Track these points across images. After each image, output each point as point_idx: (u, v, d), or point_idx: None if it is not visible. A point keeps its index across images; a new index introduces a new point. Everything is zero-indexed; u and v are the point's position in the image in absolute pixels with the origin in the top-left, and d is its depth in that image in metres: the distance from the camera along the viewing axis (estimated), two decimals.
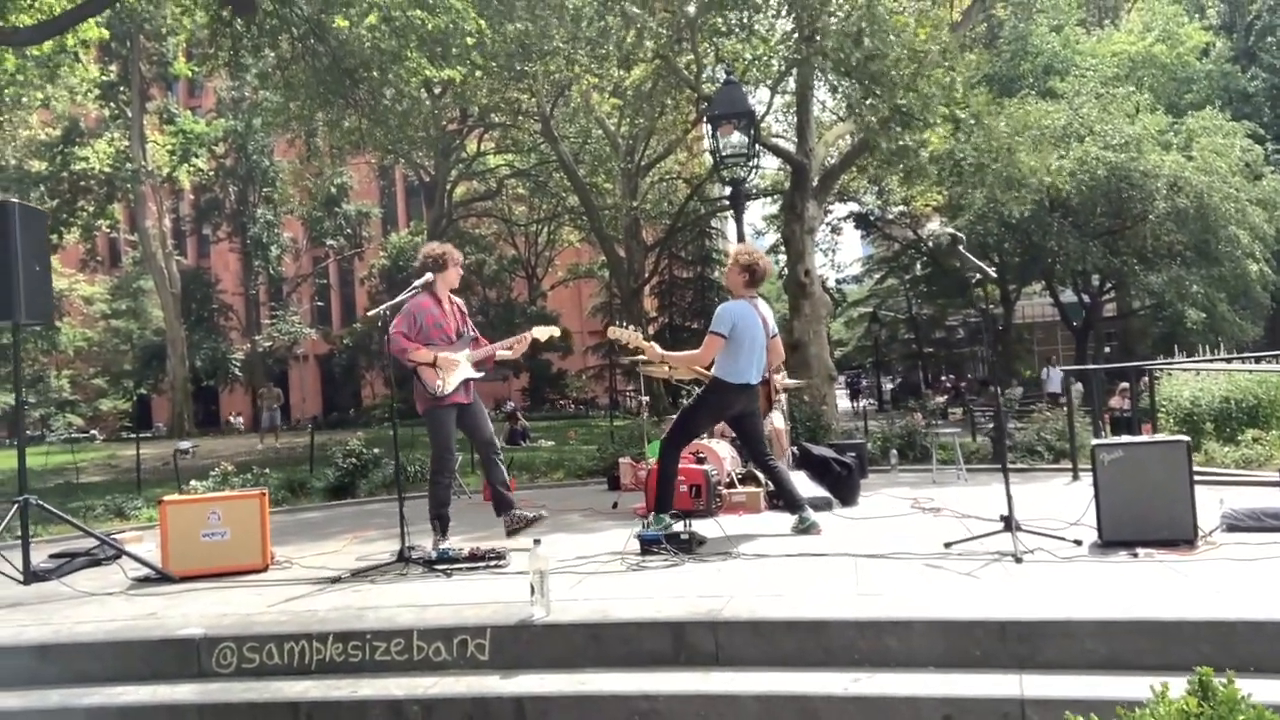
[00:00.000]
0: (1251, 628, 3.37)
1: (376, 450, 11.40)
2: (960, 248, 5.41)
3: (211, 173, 37.25)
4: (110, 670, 4.17)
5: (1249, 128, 24.74)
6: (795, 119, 16.00)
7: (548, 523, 6.23)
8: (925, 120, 12.62)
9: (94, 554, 6.24)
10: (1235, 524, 4.96)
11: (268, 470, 11.49)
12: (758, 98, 19.50)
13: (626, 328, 6.30)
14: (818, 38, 12.32)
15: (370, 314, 6.19)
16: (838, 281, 44.18)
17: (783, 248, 19.91)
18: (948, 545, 4.90)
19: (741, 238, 9.84)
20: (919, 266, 37.72)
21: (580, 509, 7.85)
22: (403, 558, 5.26)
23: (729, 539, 5.58)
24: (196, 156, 33.34)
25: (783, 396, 7.92)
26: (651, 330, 34.17)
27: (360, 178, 40.17)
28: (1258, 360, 12.94)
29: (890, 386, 42.87)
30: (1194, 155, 22.42)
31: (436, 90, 21.04)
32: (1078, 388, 14.10)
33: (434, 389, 5.76)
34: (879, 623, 3.69)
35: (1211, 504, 5.11)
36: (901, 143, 12.75)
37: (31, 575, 5.65)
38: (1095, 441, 5.42)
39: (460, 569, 5.17)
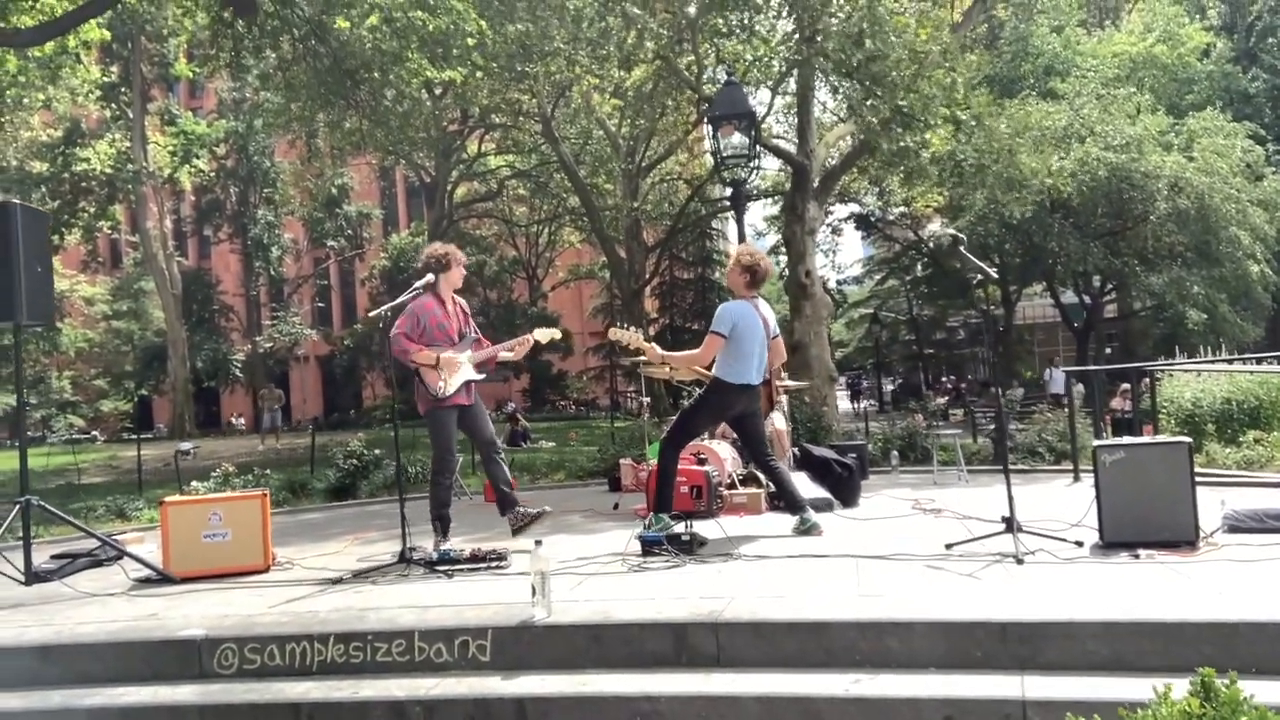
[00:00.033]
0: (1254, 629, 3.37)
1: (377, 451, 11.41)
2: (961, 249, 5.41)
3: (212, 174, 37.29)
4: (112, 671, 4.17)
5: (1250, 128, 24.74)
6: (796, 120, 16.00)
7: (549, 524, 6.22)
8: (926, 121, 12.62)
9: (95, 555, 6.25)
10: (1237, 525, 4.96)
11: (269, 471, 11.50)
12: (758, 99, 19.57)
13: (627, 329, 6.30)
14: (818, 39, 12.32)
15: (371, 315, 6.18)
16: (838, 282, 44.26)
17: (783, 249, 19.93)
18: (949, 546, 4.89)
19: (742, 239, 9.84)
20: (920, 267, 37.72)
21: (581, 510, 7.85)
22: (404, 559, 5.26)
23: (730, 540, 5.58)
24: (197, 157, 33.38)
25: (784, 397, 7.92)
26: (652, 331, 34.17)
27: (361, 179, 40.21)
28: (1259, 361, 12.92)
29: (891, 387, 42.87)
30: (1195, 156, 22.42)
31: (437, 91, 21.04)
32: (1079, 389, 14.10)
33: (435, 390, 5.76)
34: (880, 624, 3.69)
35: (1213, 505, 5.11)
36: (902, 144, 12.74)
37: (33, 576, 5.66)
38: (1097, 443, 5.41)
39: (461, 570, 5.18)
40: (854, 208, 35.33)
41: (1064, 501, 6.36)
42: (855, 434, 12.35)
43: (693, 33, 13.65)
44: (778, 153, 15.90)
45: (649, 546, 5.24)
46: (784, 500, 6.15)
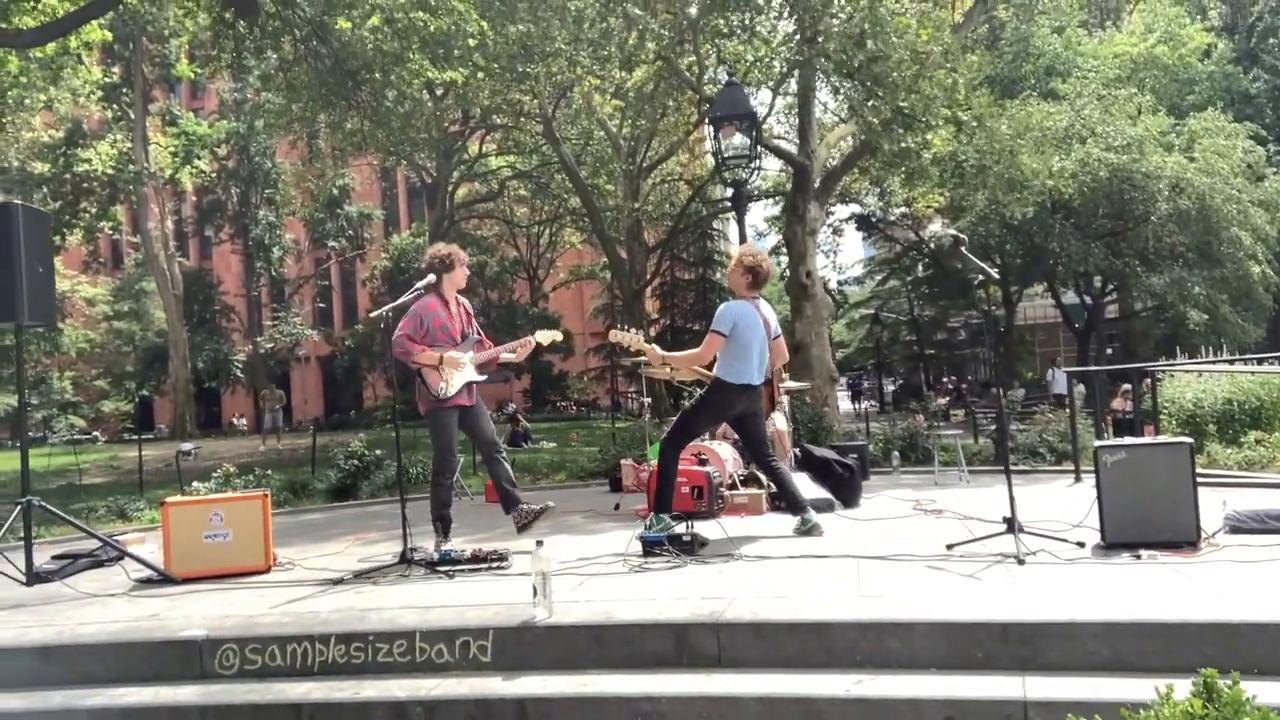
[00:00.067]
0: (1255, 629, 3.36)
1: (378, 452, 11.42)
2: (962, 249, 5.41)
3: (214, 174, 37.33)
4: (113, 671, 4.17)
5: (1251, 129, 24.74)
6: (797, 120, 16.00)
7: (550, 524, 6.23)
8: (927, 122, 12.62)
9: (96, 555, 6.25)
10: (1238, 526, 4.96)
11: (270, 472, 11.51)
12: (759, 99, 19.59)
13: (627, 331, 6.31)
14: (820, 39, 12.32)
15: (373, 315, 6.18)
16: (839, 283, 44.25)
17: (784, 249, 19.93)
18: (950, 547, 4.89)
19: (743, 239, 9.84)
20: (921, 268, 37.71)
21: (582, 510, 7.85)
22: (405, 559, 5.26)
23: (731, 540, 5.57)
24: (199, 158, 33.41)
25: (785, 398, 7.92)
26: (653, 332, 34.19)
27: (362, 179, 40.23)
28: (1260, 362, 12.91)
29: (892, 388, 42.86)
30: (1196, 157, 22.42)
31: (438, 92, 21.08)
32: (1080, 389, 14.09)
33: (437, 391, 5.76)
34: (881, 624, 3.68)
35: (1214, 506, 5.11)
36: (904, 144, 12.73)
37: (34, 576, 5.66)
38: (1098, 443, 5.41)
39: (462, 570, 5.17)
40: (855, 208, 35.34)
41: (1065, 502, 6.35)
42: (856, 434, 12.34)
43: (694, 33, 13.65)
44: (779, 153, 15.90)
45: (650, 547, 5.24)
46: (785, 501, 6.15)
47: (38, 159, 30.16)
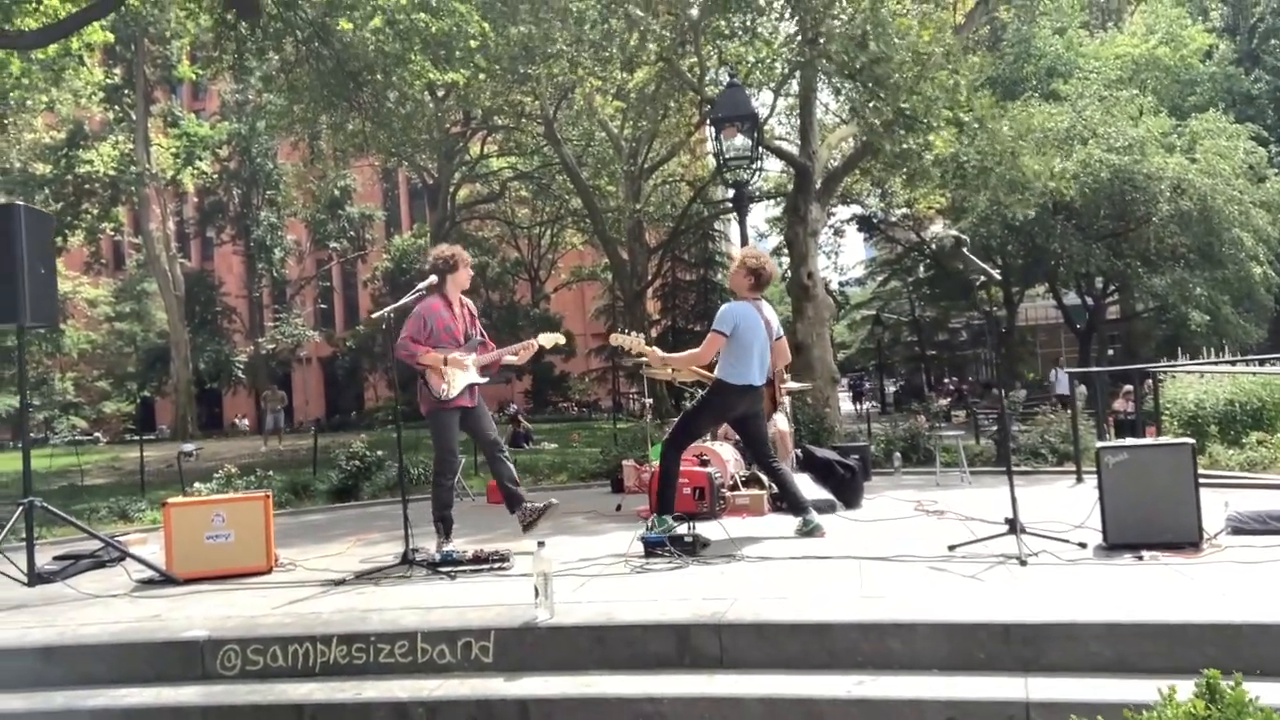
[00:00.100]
0: (1257, 630, 3.36)
1: (380, 452, 11.41)
2: (964, 250, 5.40)
3: (215, 175, 37.38)
4: (114, 672, 4.17)
5: (1252, 130, 24.74)
6: (798, 122, 16.00)
7: (551, 525, 6.22)
8: (929, 123, 12.61)
9: (98, 556, 6.25)
10: (1240, 526, 4.95)
11: (271, 473, 11.50)
12: (761, 100, 19.58)
13: (628, 334, 6.30)
14: (821, 41, 12.32)
15: (375, 316, 6.19)
16: (841, 284, 44.23)
17: (785, 250, 19.91)
18: (952, 548, 4.89)
19: (745, 240, 9.84)
20: (922, 269, 37.72)
21: (584, 511, 7.84)
22: (407, 560, 5.26)
23: (733, 541, 5.57)
24: (200, 159, 33.45)
25: (787, 399, 7.92)
26: (654, 333, 34.19)
27: (363, 180, 40.29)
28: (1261, 363, 12.90)
29: (893, 389, 42.87)
30: (1197, 158, 22.41)
31: (440, 93, 21.09)
32: (1081, 390, 14.07)
33: (439, 392, 5.76)
34: (883, 625, 3.68)
35: (1216, 507, 5.10)
36: (905, 146, 12.73)
37: (36, 577, 5.66)
38: (1100, 444, 5.40)
39: (464, 571, 5.17)
40: (856, 209, 35.35)
41: (1067, 503, 6.35)
42: (858, 435, 12.34)
43: (695, 35, 13.66)
44: (780, 154, 15.91)
45: (651, 548, 5.24)
46: (786, 502, 6.15)
47: (40, 160, 30.20)
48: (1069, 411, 11.09)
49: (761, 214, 39.30)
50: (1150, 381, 10.69)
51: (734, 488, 7.11)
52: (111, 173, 30.15)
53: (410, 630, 4.04)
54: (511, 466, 6.15)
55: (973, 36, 18.16)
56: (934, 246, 32.75)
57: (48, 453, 20.47)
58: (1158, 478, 4.69)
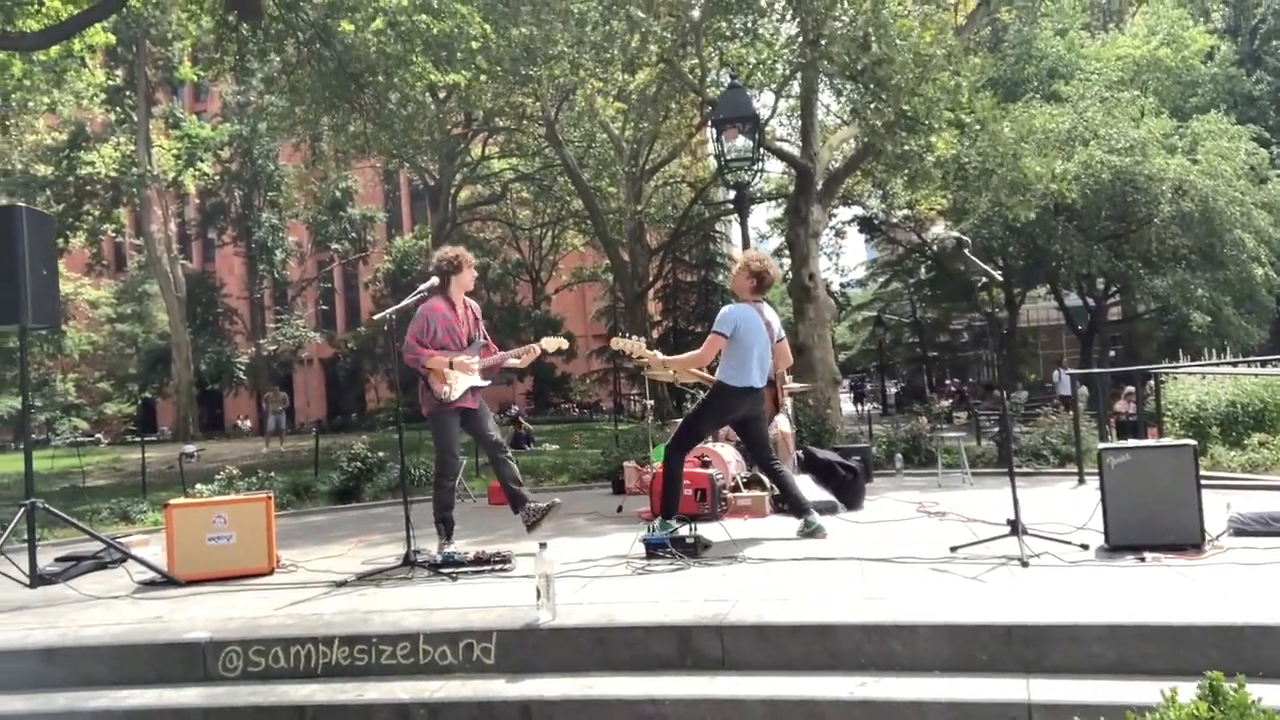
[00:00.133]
0: (1260, 632, 3.36)
1: (381, 454, 11.41)
2: (965, 251, 5.40)
3: (217, 177, 37.39)
4: (116, 674, 4.17)
5: (1254, 131, 24.74)
6: (800, 123, 16.02)
7: (553, 526, 6.22)
8: (930, 125, 12.61)
9: (100, 557, 6.25)
10: (1242, 528, 4.95)
11: (273, 474, 11.50)
12: (762, 102, 19.52)
13: (629, 338, 6.30)
14: (823, 42, 12.32)
15: (376, 317, 6.19)
16: (842, 285, 44.24)
17: (787, 251, 19.91)
18: (953, 549, 4.88)
19: (746, 241, 9.85)
20: (923, 270, 37.73)
21: (585, 513, 7.85)
22: (408, 561, 5.26)
23: (734, 543, 5.57)
24: (202, 161, 33.47)
25: (789, 400, 7.92)
26: (655, 334, 34.20)
27: (365, 182, 40.29)
28: (1263, 364, 12.90)
29: (895, 390, 42.87)
30: (1199, 159, 22.42)
31: (441, 94, 21.12)
32: (1083, 391, 14.07)
33: (441, 394, 5.76)
34: (885, 627, 3.68)
35: (1218, 508, 5.10)
36: (906, 147, 12.74)
37: (38, 579, 5.66)
38: (1102, 445, 5.40)
39: (466, 573, 5.18)
40: (858, 211, 35.37)
41: (1069, 504, 6.35)
42: (859, 437, 12.33)
43: (696, 36, 13.67)
44: (781, 156, 15.91)
45: (653, 549, 5.24)
46: (788, 503, 6.14)
47: (41, 162, 30.24)
48: (1070, 413, 11.09)
49: (763, 215, 39.32)
50: (1152, 383, 10.68)
51: (735, 489, 7.11)
52: (113, 174, 30.19)
53: (412, 631, 4.04)
54: (514, 467, 6.15)
55: (974, 38, 18.15)
56: (935, 248, 32.74)
57: (49, 454, 20.47)
58: (1160, 479, 4.69)
